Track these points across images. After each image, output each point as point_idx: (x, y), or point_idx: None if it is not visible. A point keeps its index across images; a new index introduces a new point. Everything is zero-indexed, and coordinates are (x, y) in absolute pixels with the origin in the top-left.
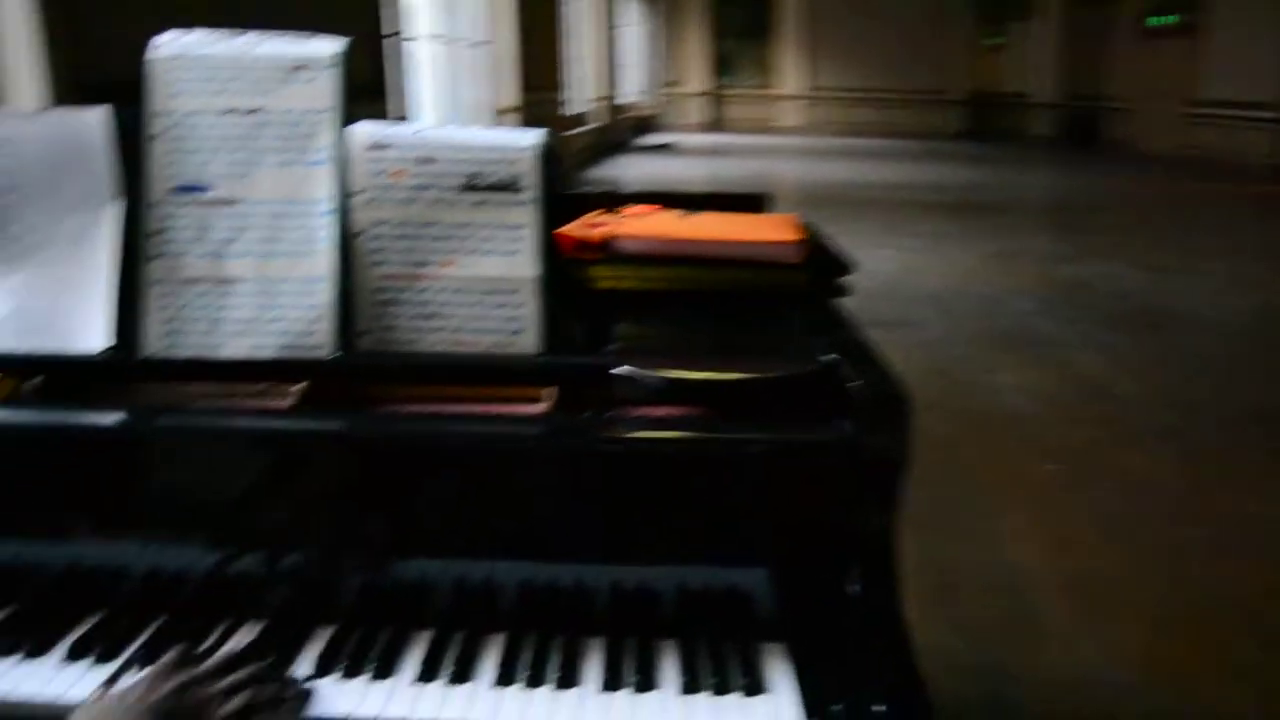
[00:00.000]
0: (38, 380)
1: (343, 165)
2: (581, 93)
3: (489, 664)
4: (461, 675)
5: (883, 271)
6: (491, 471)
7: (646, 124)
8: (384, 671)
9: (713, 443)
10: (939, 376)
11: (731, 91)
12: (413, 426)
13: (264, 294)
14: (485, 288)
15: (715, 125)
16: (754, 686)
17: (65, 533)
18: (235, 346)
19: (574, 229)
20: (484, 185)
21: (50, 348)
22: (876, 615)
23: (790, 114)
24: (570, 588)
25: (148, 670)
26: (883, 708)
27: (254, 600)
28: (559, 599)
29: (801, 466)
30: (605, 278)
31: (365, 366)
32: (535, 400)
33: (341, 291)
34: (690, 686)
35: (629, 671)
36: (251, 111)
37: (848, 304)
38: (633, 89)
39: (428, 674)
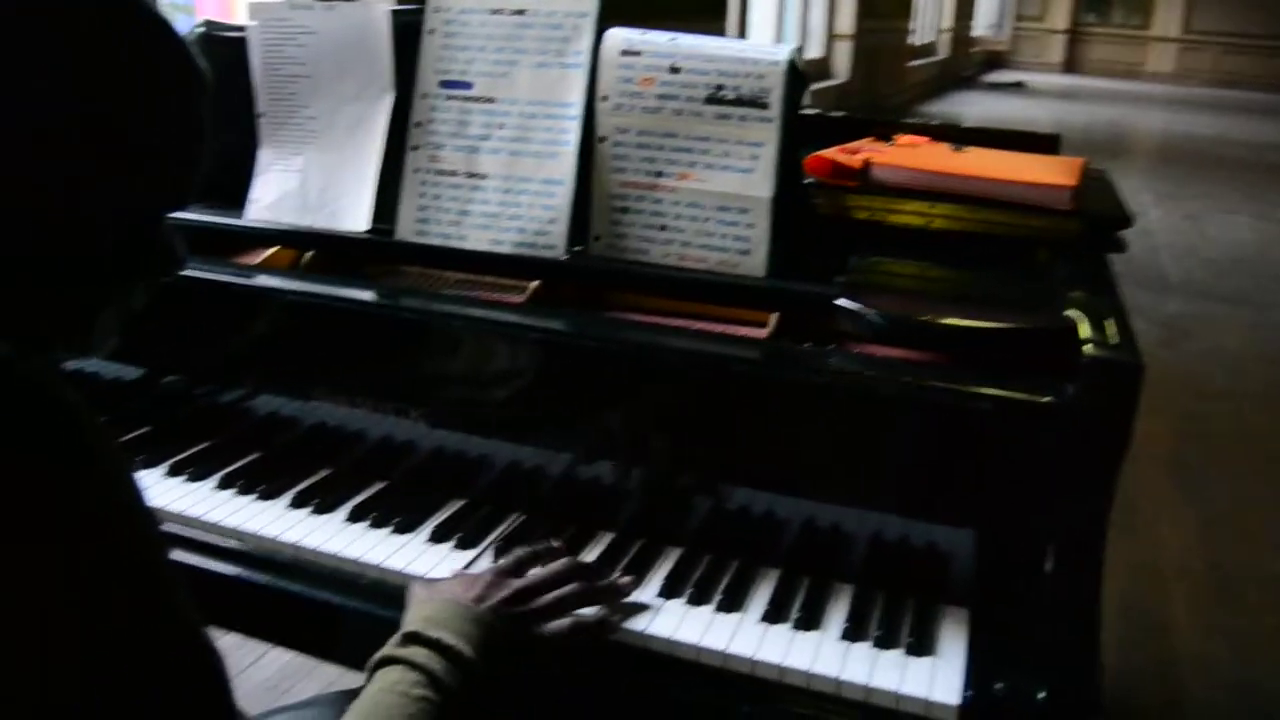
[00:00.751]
0: (311, 254)
1: (594, 70)
2: (930, 22)
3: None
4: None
5: (1230, 240)
6: (706, 391)
7: (997, 60)
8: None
9: (937, 392)
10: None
11: (1095, 30)
12: (638, 335)
13: (508, 191)
14: (718, 204)
15: (1073, 66)
16: (920, 647)
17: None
18: (477, 239)
19: (833, 153)
20: (729, 99)
21: (323, 225)
22: (1070, 600)
23: (1158, 59)
24: (759, 515)
25: (488, 569)
26: (1044, 694)
27: (603, 511)
28: (745, 525)
29: (1028, 430)
30: (854, 207)
31: (594, 270)
32: (761, 325)
33: (579, 195)
34: (852, 633)
35: (794, 606)
36: (517, 12)
37: (1169, 265)
38: (986, 22)
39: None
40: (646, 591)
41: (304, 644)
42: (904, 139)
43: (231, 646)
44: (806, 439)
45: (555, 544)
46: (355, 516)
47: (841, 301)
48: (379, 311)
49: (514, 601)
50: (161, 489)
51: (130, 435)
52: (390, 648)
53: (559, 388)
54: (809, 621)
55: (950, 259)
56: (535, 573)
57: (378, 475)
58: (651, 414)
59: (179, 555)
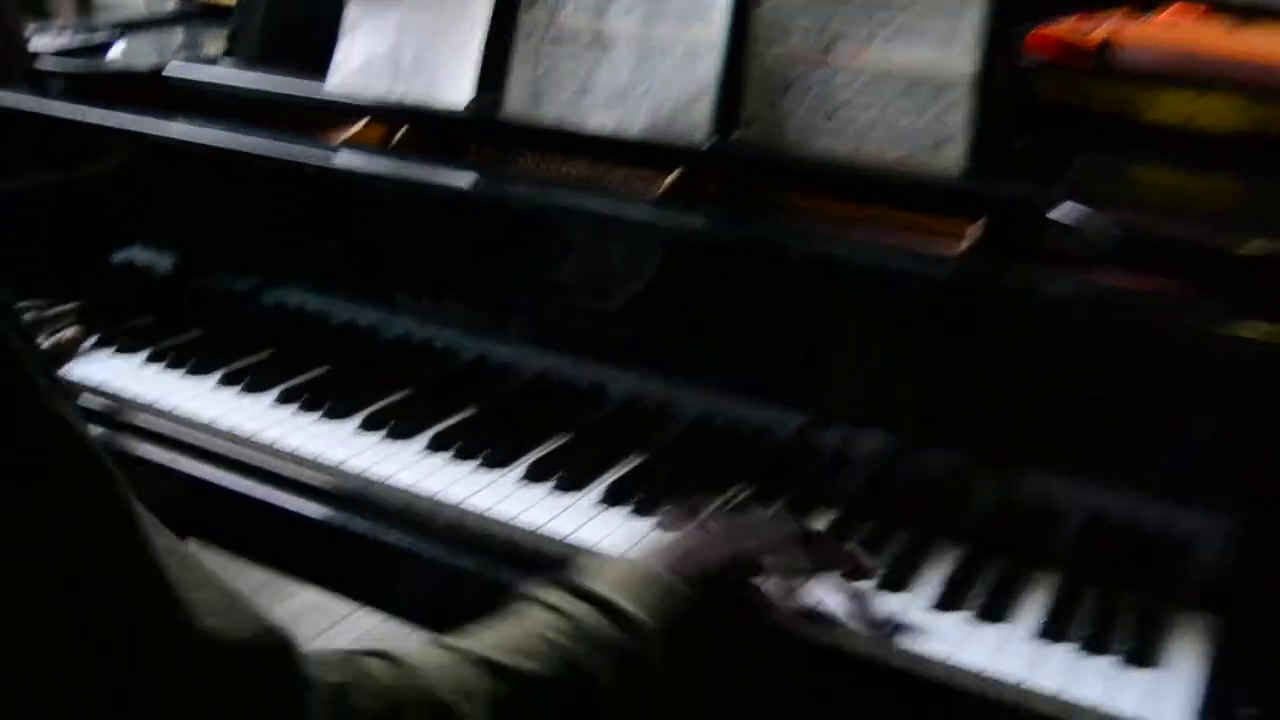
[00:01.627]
0: (403, 132)
1: None
2: None
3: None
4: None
5: None
6: (887, 317)
7: None
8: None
9: (1191, 335)
10: None
11: None
12: (805, 241)
13: (642, 60)
14: (905, 83)
15: None
16: (1140, 655)
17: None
18: (601, 118)
19: (1063, 28)
20: None
21: (417, 97)
22: None
23: None
24: (940, 480)
25: (716, 524)
26: None
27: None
28: (922, 488)
29: None
30: (1089, 96)
31: (745, 161)
32: (957, 238)
33: (729, 69)
34: (1051, 630)
35: (977, 591)
36: None
37: None
38: None
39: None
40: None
41: (359, 591)
42: (1167, 11)
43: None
44: (1018, 387)
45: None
46: (437, 445)
47: (1066, 211)
48: (482, 202)
49: (720, 573)
50: (210, 400)
51: (180, 339)
52: (554, 592)
53: (697, 305)
54: (994, 611)
55: (1215, 166)
56: (754, 545)
57: (467, 400)
58: (807, 343)
59: (224, 478)
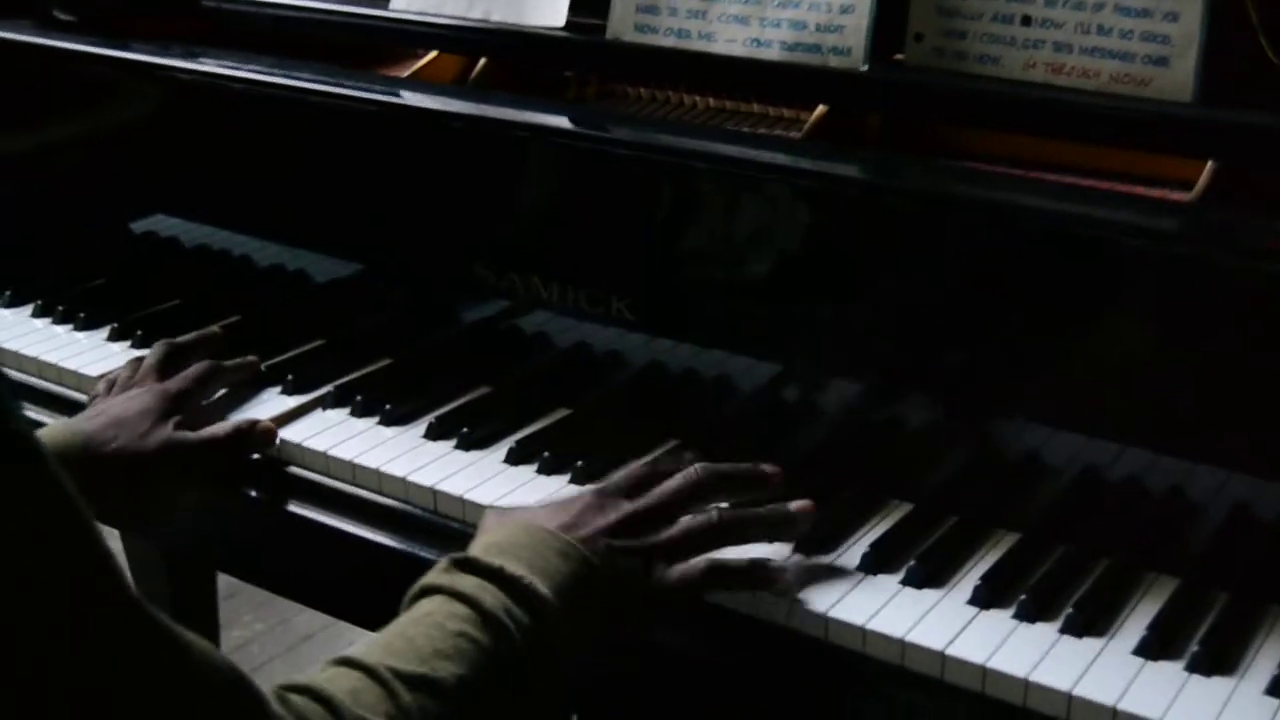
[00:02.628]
0: (484, 63)
1: None
2: None
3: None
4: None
5: None
6: (1104, 286)
7: None
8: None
9: None
10: None
11: None
12: (993, 191)
13: None
14: None
15: None
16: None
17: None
18: (730, 37)
19: None
20: None
21: (500, 18)
22: None
23: None
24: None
25: (589, 488)
26: None
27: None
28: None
29: None
30: None
31: (912, 89)
32: (1185, 184)
33: None
34: (1154, 647)
35: (1067, 600)
36: None
37: None
38: None
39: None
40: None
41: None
42: None
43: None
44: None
45: (687, 454)
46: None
47: None
48: (582, 146)
49: (623, 530)
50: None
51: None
52: (431, 575)
53: (858, 268)
54: (1087, 624)
55: None
56: (658, 490)
57: (559, 397)
58: (991, 314)
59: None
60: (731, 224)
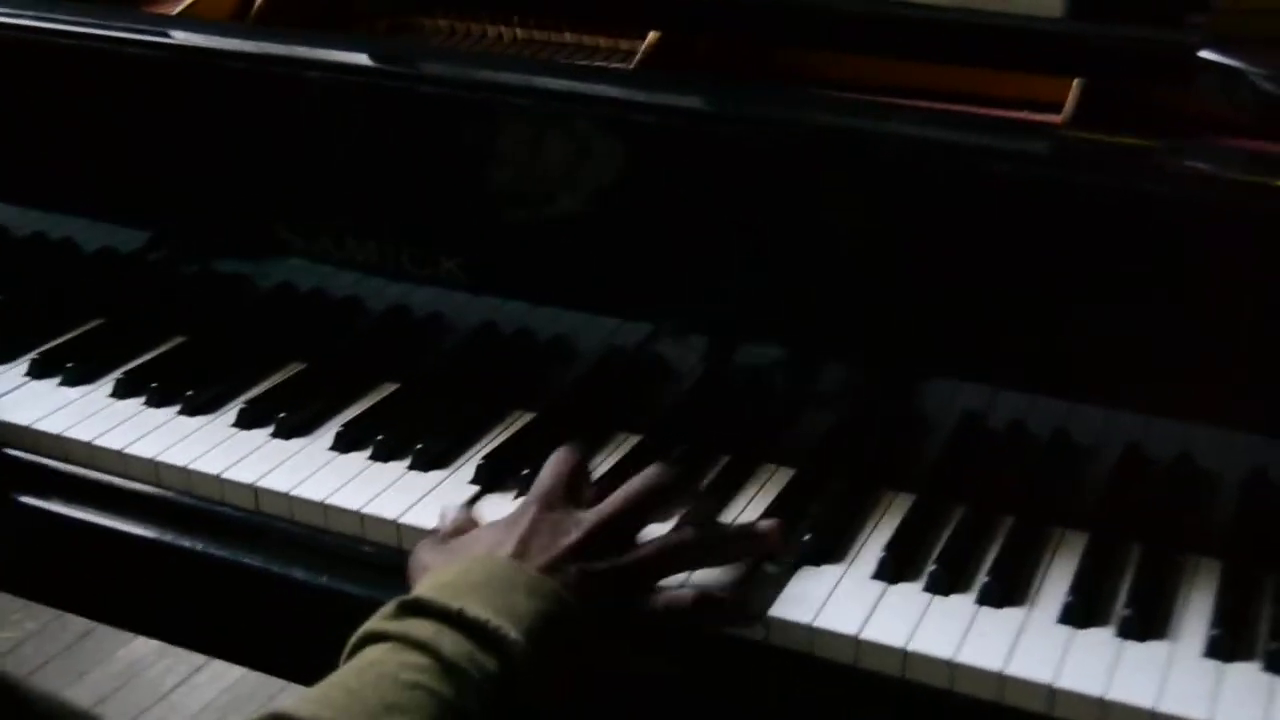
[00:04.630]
0: None
1: None
2: None
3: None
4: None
5: None
6: (969, 220)
7: None
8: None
9: None
10: None
11: None
12: (848, 117)
13: None
14: None
15: None
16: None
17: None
18: None
19: None
20: None
21: None
22: None
23: None
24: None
25: (533, 498)
26: None
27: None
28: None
29: None
30: None
31: (747, 7)
32: (1053, 106)
33: None
34: (1225, 647)
35: (1117, 600)
36: None
37: None
38: None
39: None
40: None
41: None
42: None
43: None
44: (1155, 306)
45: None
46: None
47: (1209, 55)
48: (392, 85)
49: (591, 548)
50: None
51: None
52: (374, 620)
53: (707, 211)
54: (1145, 625)
55: None
56: (618, 495)
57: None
58: (856, 266)
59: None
60: (564, 167)
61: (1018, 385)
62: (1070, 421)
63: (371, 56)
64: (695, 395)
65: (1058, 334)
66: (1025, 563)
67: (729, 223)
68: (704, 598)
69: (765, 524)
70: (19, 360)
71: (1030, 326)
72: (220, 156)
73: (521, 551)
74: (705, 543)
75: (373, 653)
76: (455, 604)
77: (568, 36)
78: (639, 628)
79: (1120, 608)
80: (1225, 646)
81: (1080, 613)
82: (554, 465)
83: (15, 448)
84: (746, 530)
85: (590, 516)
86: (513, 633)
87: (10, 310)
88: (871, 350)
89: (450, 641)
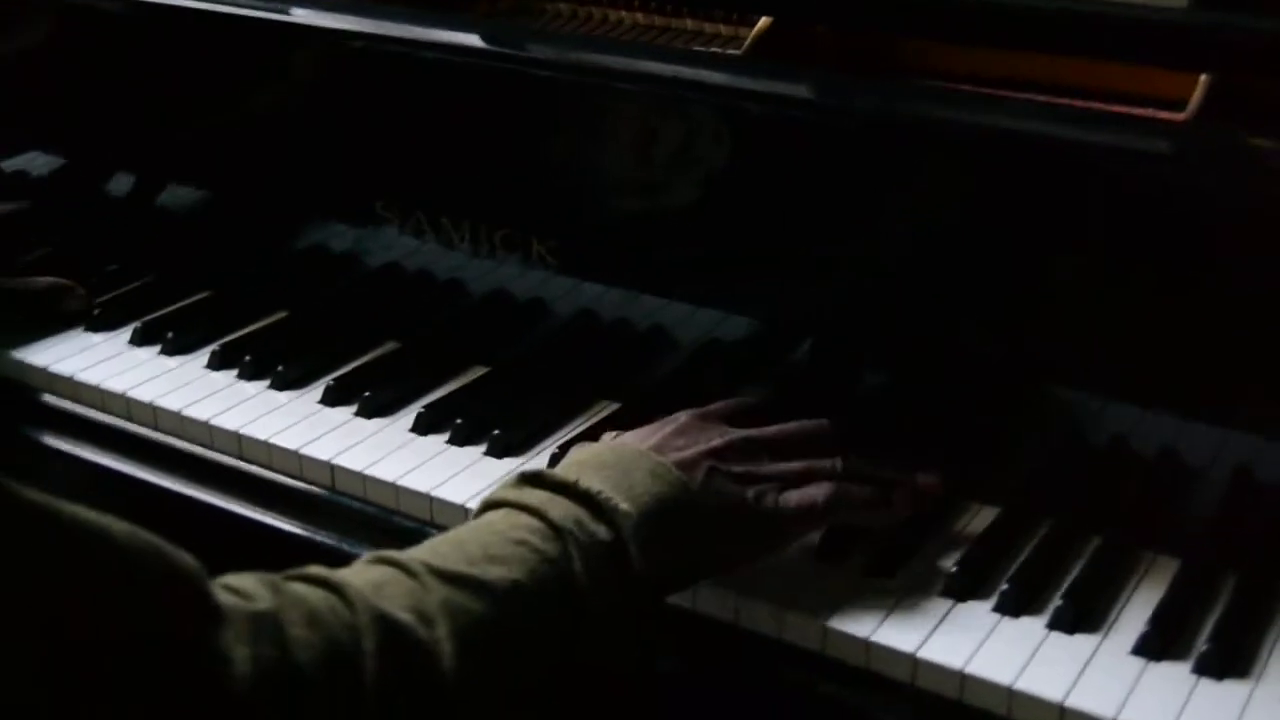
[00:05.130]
0: None
1: None
2: None
3: None
4: None
5: None
6: (1092, 219)
7: None
8: None
9: None
10: None
11: None
12: (959, 113)
13: None
14: None
15: None
16: None
17: None
18: None
19: None
20: None
21: None
22: None
23: None
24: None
25: (690, 413)
26: None
27: None
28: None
29: None
30: None
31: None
32: (1178, 102)
33: None
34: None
35: (1201, 632)
36: None
37: None
38: None
39: None
40: None
41: None
42: None
43: None
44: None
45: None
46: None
47: None
48: (497, 67)
49: (730, 454)
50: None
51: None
52: (496, 491)
53: (813, 202)
54: (1226, 661)
55: None
56: (774, 427)
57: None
58: (958, 262)
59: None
60: (663, 153)
61: (1130, 399)
62: (1179, 440)
63: (482, 38)
64: (789, 394)
65: (1180, 343)
66: (1106, 587)
67: (829, 217)
68: (841, 493)
69: (925, 477)
70: (123, 329)
71: (1155, 335)
72: (330, 134)
73: (661, 445)
74: (849, 472)
75: (490, 516)
76: (572, 477)
77: (688, 23)
78: (772, 523)
79: (1202, 642)
80: None
81: (1156, 645)
82: (729, 401)
83: (109, 412)
84: (902, 479)
85: (737, 430)
86: (624, 505)
87: (120, 280)
88: (977, 351)
89: (560, 507)
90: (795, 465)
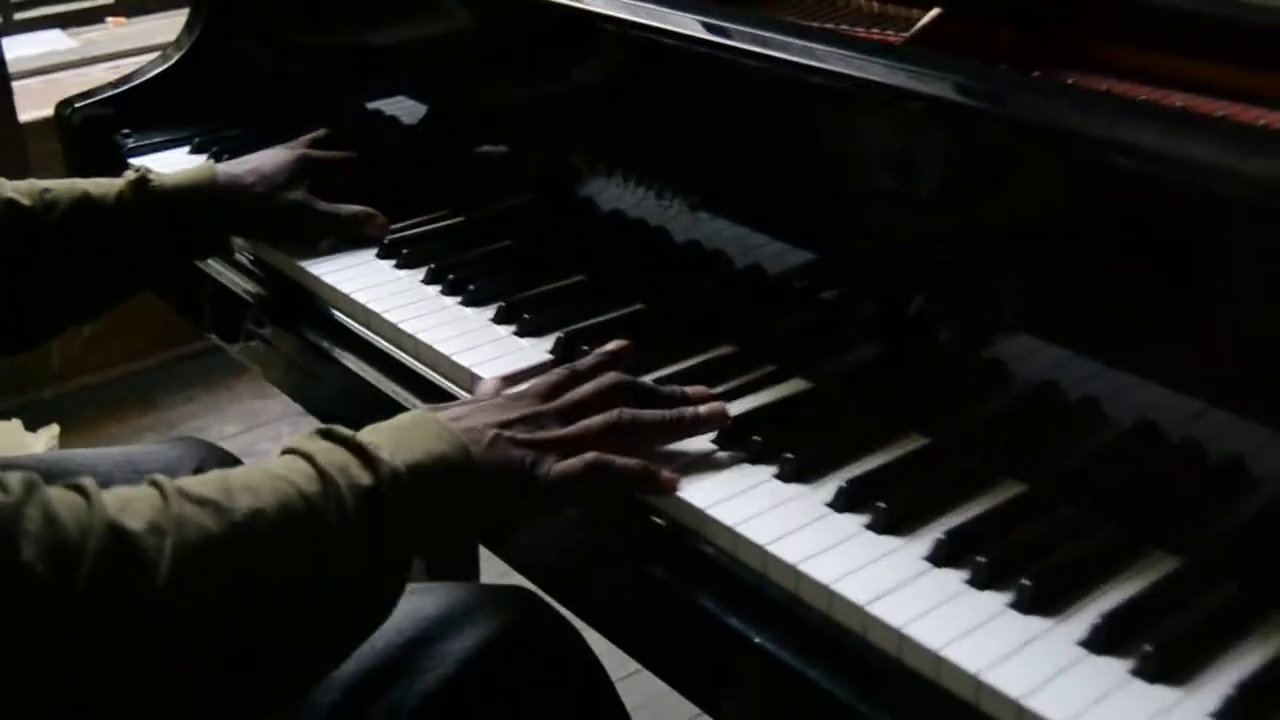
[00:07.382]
0: None
1: None
2: None
3: None
4: None
5: None
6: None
7: None
8: None
9: None
10: None
11: None
12: (1132, 126)
13: None
14: None
15: None
16: None
17: None
18: None
19: None
20: None
21: None
22: None
23: None
24: None
25: (531, 383)
26: None
27: None
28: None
29: None
30: None
31: None
32: None
33: None
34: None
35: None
36: None
37: None
38: None
39: None
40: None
41: None
42: None
43: None
44: None
45: (614, 346)
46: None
47: None
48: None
49: (520, 425)
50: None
51: None
52: (294, 439)
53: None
54: (1168, 668)
55: None
56: (570, 394)
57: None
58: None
59: None
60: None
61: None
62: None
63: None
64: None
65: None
66: (1080, 576)
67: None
68: (598, 462)
69: (708, 406)
70: (419, 268)
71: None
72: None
73: (460, 415)
74: (626, 423)
75: (275, 459)
76: (355, 433)
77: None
78: (541, 489)
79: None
80: None
81: (1103, 639)
82: (549, 374)
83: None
84: (684, 413)
85: (535, 406)
86: (389, 456)
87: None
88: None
89: (334, 454)
90: (571, 430)
